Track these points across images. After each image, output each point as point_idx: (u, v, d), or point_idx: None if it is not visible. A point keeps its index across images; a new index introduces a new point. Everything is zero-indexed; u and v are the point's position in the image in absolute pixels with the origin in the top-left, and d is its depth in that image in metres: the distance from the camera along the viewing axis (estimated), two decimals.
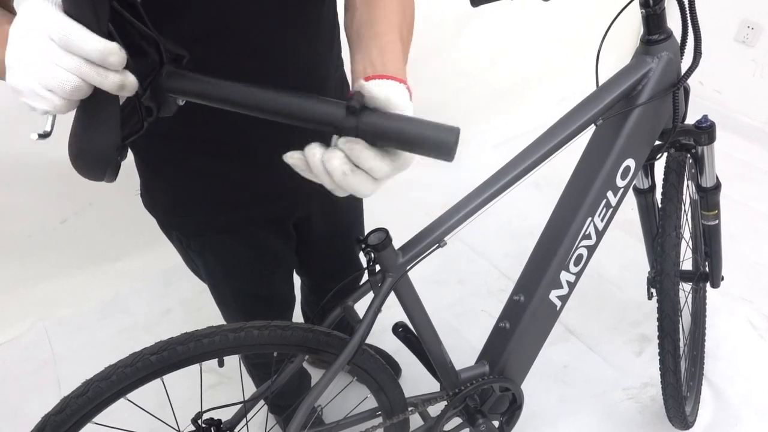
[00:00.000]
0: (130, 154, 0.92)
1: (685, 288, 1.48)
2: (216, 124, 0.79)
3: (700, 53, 0.95)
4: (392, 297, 0.90)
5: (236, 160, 0.86)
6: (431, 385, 1.10)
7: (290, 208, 0.99)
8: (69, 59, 0.46)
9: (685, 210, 1.24)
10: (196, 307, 1.94)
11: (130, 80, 0.50)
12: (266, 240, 0.99)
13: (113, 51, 0.47)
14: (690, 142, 1.14)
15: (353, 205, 1.15)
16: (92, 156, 0.52)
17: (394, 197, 2.37)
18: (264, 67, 0.75)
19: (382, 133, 0.55)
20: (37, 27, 0.46)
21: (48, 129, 0.50)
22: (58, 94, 0.47)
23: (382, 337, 1.37)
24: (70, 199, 1.79)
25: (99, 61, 0.47)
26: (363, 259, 0.88)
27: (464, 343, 1.72)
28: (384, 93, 0.56)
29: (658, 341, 1.20)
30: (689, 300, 1.56)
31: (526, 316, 1.06)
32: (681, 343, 1.21)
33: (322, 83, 0.86)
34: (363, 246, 0.84)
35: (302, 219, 1.03)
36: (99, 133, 0.52)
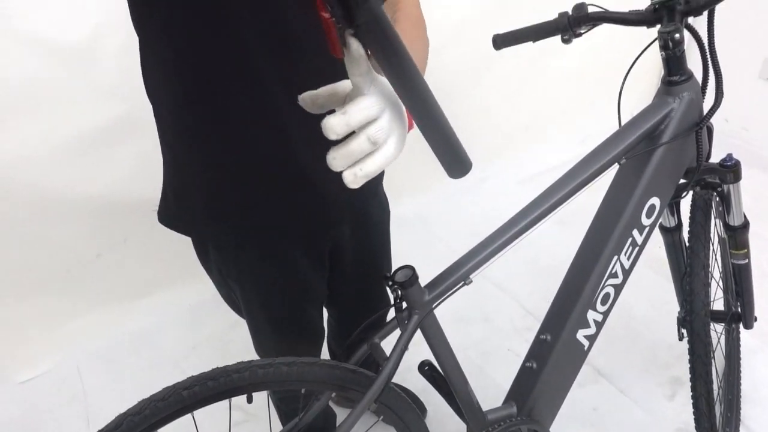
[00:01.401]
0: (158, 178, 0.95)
1: (717, 329, 1.45)
2: (258, 128, 0.83)
3: (722, 93, 0.96)
4: (418, 334, 0.91)
5: (275, 165, 0.88)
6: (458, 425, 1.09)
7: (324, 226, 1.00)
8: None
9: (713, 249, 1.23)
10: (223, 342, 1.95)
11: None
12: (301, 265, 1.02)
13: None
14: (716, 181, 1.14)
15: (382, 236, 1.17)
16: None
17: (418, 232, 2.39)
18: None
19: (385, 41, 0.53)
20: None
21: None
22: None
23: (407, 375, 1.36)
24: (105, 235, 1.85)
25: None
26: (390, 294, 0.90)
27: (491, 383, 1.69)
28: None
29: (690, 384, 1.17)
30: (722, 341, 1.52)
31: (553, 356, 1.05)
32: (715, 387, 1.18)
33: None
34: (390, 283, 0.86)
35: (335, 246, 1.06)
36: None
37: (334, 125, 0.53)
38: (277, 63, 0.80)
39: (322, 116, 0.70)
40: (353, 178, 0.57)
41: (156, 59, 0.83)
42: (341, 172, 0.58)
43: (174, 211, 0.95)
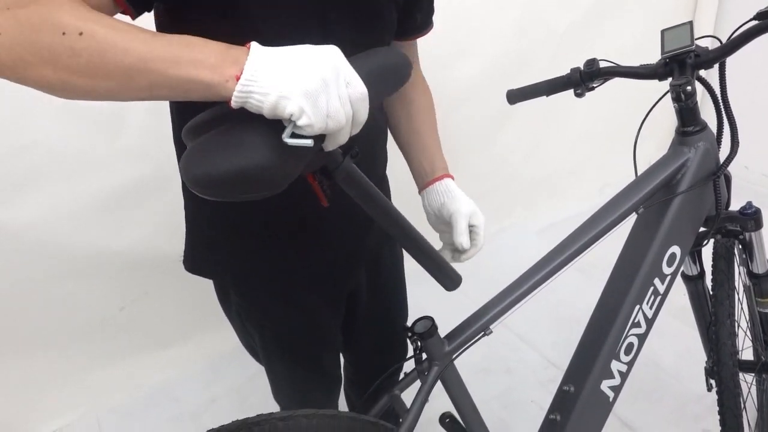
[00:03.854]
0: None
1: (748, 378, 1.41)
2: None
3: (738, 143, 0.97)
4: (439, 386, 0.90)
5: (298, 219, 0.90)
6: None
7: (343, 274, 1.02)
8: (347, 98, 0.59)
9: (739, 297, 1.21)
10: (242, 394, 1.94)
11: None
12: (320, 312, 1.03)
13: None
14: (737, 229, 1.13)
15: (396, 281, 1.18)
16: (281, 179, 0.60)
17: (438, 284, 2.38)
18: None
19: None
20: (333, 73, 0.58)
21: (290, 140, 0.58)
22: (335, 122, 0.58)
23: (428, 428, 1.33)
24: (128, 288, 1.88)
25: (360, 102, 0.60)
26: (410, 345, 0.90)
27: None
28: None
29: None
30: (753, 391, 1.47)
31: (578, 408, 1.03)
32: None
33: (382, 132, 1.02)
34: (409, 334, 0.86)
35: (351, 292, 1.07)
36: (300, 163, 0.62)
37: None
38: None
39: None
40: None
41: (187, 110, 0.86)
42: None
43: (198, 258, 0.97)
